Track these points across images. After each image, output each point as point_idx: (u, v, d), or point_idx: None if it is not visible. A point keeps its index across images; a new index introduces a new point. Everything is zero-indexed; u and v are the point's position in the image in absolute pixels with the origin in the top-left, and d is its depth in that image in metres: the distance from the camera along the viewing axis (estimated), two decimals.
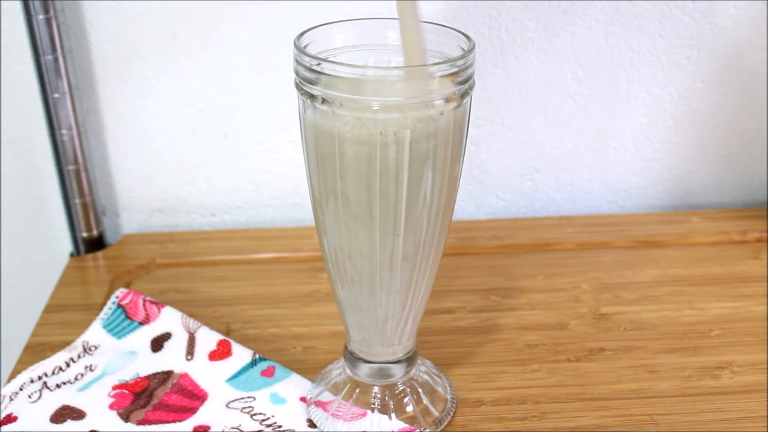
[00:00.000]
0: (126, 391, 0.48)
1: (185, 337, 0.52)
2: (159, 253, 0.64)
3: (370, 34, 0.41)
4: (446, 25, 0.40)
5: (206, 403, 0.47)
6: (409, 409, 0.46)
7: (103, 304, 0.56)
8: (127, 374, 0.50)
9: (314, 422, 0.46)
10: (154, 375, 0.49)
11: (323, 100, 0.37)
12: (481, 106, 0.66)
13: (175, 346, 0.52)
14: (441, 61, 0.37)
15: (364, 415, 0.45)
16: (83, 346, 0.52)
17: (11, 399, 0.48)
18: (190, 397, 0.48)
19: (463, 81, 0.37)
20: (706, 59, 0.66)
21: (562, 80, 0.66)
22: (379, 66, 0.38)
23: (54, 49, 0.58)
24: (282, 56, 0.63)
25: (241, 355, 0.51)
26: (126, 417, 0.46)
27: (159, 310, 0.54)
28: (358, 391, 0.46)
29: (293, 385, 0.49)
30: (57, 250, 0.70)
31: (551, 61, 0.65)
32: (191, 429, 0.45)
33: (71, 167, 0.62)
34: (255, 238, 0.66)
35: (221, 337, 0.52)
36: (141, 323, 0.53)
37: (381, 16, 0.42)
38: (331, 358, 0.51)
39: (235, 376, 0.49)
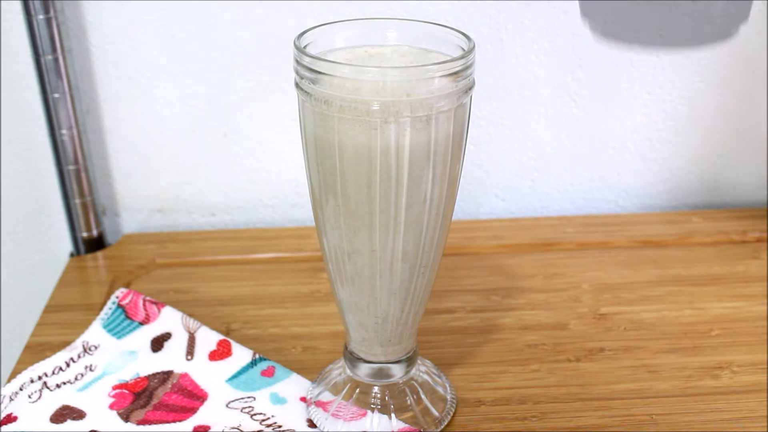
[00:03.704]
0: (126, 391, 0.48)
1: (185, 337, 0.52)
2: (159, 253, 0.64)
3: (370, 34, 0.41)
4: (446, 25, 0.40)
5: (206, 403, 0.47)
6: (409, 409, 0.46)
7: (103, 304, 0.56)
8: (127, 374, 0.50)
9: (314, 422, 0.46)
10: (154, 375, 0.49)
11: (323, 100, 0.37)
12: (481, 106, 0.66)
13: (175, 346, 0.52)
14: (441, 61, 0.37)
15: (364, 415, 0.45)
16: (83, 346, 0.52)
17: (11, 399, 0.48)
18: (190, 397, 0.48)
19: (463, 81, 0.37)
20: (706, 59, 0.66)
21: (562, 80, 0.66)
22: (379, 66, 0.38)
23: (54, 49, 0.58)
24: (282, 56, 0.63)
25: (241, 355, 0.51)
26: (126, 417, 0.46)
27: (159, 310, 0.54)
28: (358, 391, 0.46)
29: (293, 385, 0.49)
30: (57, 250, 0.70)
31: (551, 61, 0.65)
32: (191, 429, 0.45)
33: (71, 167, 0.62)
34: (255, 238, 0.66)
35: (221, 337, 0.52)
36: (141, 323, 0.53)
37: (381, 16, 0.42)
38: (331, 358, 0.51)
39: (235, 376, 0.49)
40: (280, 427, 0.46)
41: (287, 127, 0.66)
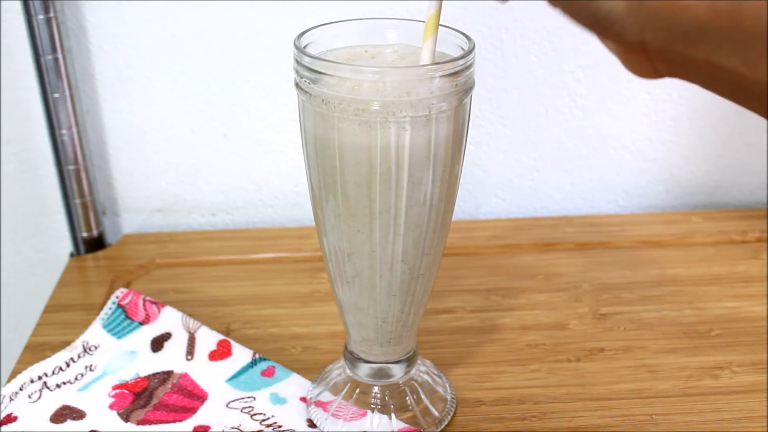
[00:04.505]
0: (126, 391, 0.48)
1: (185, 337, 0.52)
2: (159, 253, 0.64)
3: (370, 34, 0.41)
4: (446, 25, 0.40)
5: (206, 403, 0.47)
6: (410, 409, 0.46)
7: (103, 304, 0.56)
8: (127, 374, 0.50)
9: (314, 422, 0.46)
10: (154, 375, 0.49)
11: (323, 100, 0.37)
12: (481, 106, 0.66)
13: (175, 346, 0.52)
14: (441, 61, 0.37)
15: (364, 415, 0.45)
16: (83, 346, 0.52)
17: (11, 399, 0.48)
18: (190, 397, 0.48)
19: (463, 81, 0.37)
20: None
21: (562, 80, 0.66)
22: (379, 66, 0.38)
23: (54, 49, 0.58)
24: (282, 56, 0.63)
25: (241, 355, 0.51)
26: (126, 417, 0.46)
27: (159, 310, 0.54)
28: (358, 391, 0.46)
29: (293, 385, 0.49)
30: (57, 250, 0.70)
31: (551, 61, 0.65)
32: (191, 429, 0.45)
33: (71, 167, 0.62)
34: (255, 238, 0.66)
35: (221, 337, 0.52)
36: (141, 323, 0.53)
37: (381, 16, 0.42)
38: (331, 358, 0.51)
39: (235, 376, 0.49)
40: (280, 427, 0.46)
41: (287, 127, 0.66)
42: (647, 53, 0.28)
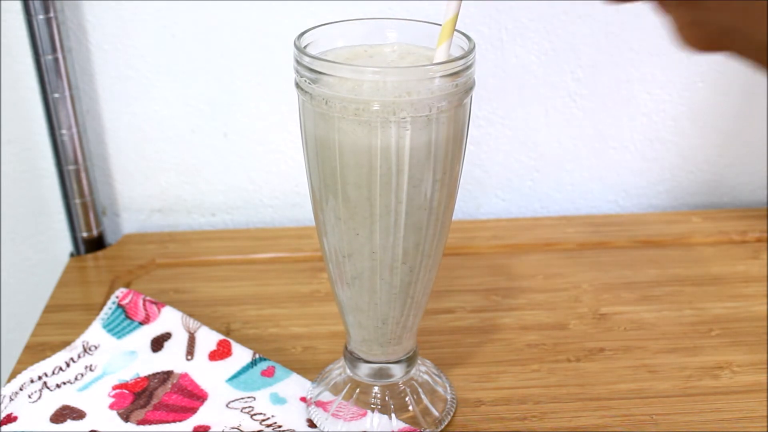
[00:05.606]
0: (126, 391, 0.48)
1: (185, 337, 0.52)
2: (159, 253, 0.64)
3: (370, 33, 0.41)
4: None
5: (206, 403, 0.47)
6: (409, 409, 0.46)
7: (103, 304, 0.56)
8: (127, 374, 0.50)
9: (314, 422, 0.46)
10: (154, 375, 0.49)
11: (323, 100, 0.37)
12: (481, 106, 0.66)
13: (175, 346, 0.52)
14: (441, 61, 0.37)
15: (364, 415, 0.45)
16: (83, 346, 0.52)
17: (11, 399, 0.48)
18: (190, 397, 0.48)
19: (463, 81, 0.37)
20: (706, 59, 0.66)
21: (562, 80, 0.66)
22: (379, 66, 0.38)
23: (54, 49, 0.58)
24: (282, 56, 0.63)
25: (241, 355, 0.51)
26: (126, 417, 0.46)
27: (159, 310, 0.54)
28: (358, 391, 0.46)
29: (293, 385, 0.49)
30: (57, 250, 0.70)
31: (551, 61, 0.65)
32: (191, 429, 0.45)
33: (71, 167, 0.62)
34: (255, 238, 0.66)
35: (221, 337, 0.52)
36: (141, 323, 0.53)
37: (381, 16, 0.42)
38: (331, 358, 0.51)
39: (235, 376, 0.49)
40: (280, 427, 0.46)
41: (287, 127, 0.66)
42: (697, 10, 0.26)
